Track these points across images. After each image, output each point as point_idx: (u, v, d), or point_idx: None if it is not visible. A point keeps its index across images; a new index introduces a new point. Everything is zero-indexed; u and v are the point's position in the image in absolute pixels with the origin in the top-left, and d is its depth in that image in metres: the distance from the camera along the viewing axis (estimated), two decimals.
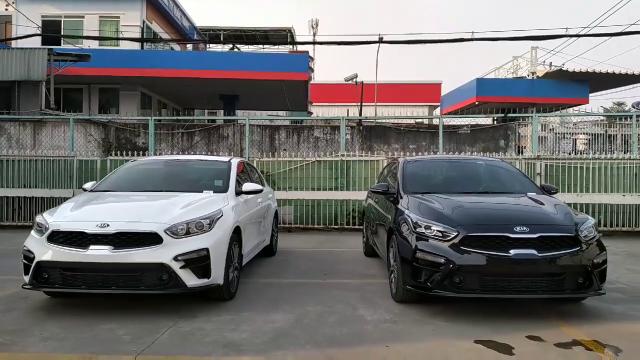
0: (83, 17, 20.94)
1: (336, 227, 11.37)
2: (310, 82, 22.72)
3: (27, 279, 4.85)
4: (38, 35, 18.65)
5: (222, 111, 24.67)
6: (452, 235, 4.74)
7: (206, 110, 28.91)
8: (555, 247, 4.66)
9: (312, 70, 29.15)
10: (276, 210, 8.49)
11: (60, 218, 5.00)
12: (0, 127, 13.18)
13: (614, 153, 12.55)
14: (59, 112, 15.63)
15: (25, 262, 4.88)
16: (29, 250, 4.86)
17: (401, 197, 5.83)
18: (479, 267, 4.63)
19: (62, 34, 20.58)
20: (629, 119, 14.23)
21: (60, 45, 19.38)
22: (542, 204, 5.40)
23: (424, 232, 4.92)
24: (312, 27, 36.22)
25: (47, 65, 14.96)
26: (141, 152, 12.06)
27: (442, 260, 4.68)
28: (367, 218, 8.11)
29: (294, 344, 4.11)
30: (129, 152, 11.83)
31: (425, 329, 4.48)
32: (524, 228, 4.69)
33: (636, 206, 10.76)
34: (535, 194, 5.87)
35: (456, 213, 5.06)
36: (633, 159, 10.95)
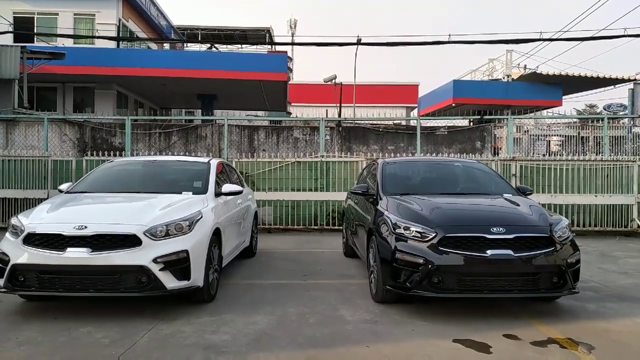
0: (57, 14, 20.57)
1: (316, 227, 11.39)
2: (289, 83, 22.71)
3: (1, 282, 4.74)
4: (10, 32, 18.23)
5: (200, 111, 24.49)
6: (431, 236, 4.82)
7: (184, 110, 28.68)
8: (531, 248, 4.78)
9: (291, 71, 29.16)
10: (256, 211, 8.47)
11: (36, 220, 4.92)
12: None
13: (586, 154, 12.87)
14: (33, 111, 15.30)
15: (0, 265, 4.78)
16: (3, 253, 4.76)
17: (380, 198, 5.89)
18: (457, 267, 4.72)
19: (35, 31, 20.16)
20: (600, 122, 14.59)
21: (33, 43, 19.00)
22: (517, 205, 5.52)
23: (403, 233, 4.99)
24: (291, 27, 36.23)
25: (20, 63, 14.65)
26: (118, 153, 11.89)
27: (421, 261, 4.75)
28: (346, 219, 8.16)
29: (275, 346, 4.12)
30: (105, 153, 11.66)
31: (405, 329, 4.54)
32: (501, 229, 4.79)
33: (607, 206, 11.05)
34: (510, 195, 6.00)
35: (434, 214, 5.13)
36: (604, 161, 11.24)
